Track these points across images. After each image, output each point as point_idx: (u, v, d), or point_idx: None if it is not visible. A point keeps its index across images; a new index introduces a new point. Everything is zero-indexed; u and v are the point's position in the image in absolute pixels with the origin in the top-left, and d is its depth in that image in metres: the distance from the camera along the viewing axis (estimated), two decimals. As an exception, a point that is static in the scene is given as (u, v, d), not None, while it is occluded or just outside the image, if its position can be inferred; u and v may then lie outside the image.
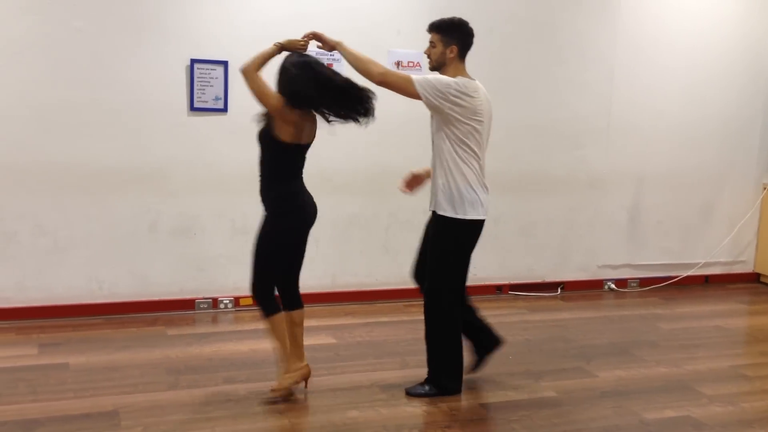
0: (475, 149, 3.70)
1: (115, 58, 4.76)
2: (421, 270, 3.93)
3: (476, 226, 3.76)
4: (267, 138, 3.61)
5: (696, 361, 4.49)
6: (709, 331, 5.18)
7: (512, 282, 5.96)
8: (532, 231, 5.99)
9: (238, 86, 5.04)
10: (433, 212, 3.80)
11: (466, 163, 3.68)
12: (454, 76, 3.69)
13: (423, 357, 4.35)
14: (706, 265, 6.51)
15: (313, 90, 3.49)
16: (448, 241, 3.74)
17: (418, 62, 5.43)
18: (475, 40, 5.52)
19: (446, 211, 3.70)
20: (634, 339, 4.91)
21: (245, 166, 5.12)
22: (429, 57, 3.80)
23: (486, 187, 3.81)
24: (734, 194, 6.54)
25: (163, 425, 3.35)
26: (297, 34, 5.08)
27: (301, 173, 3.67)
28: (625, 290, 6.24)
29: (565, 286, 6.11)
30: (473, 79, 3.75)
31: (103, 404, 3.54)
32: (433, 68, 3.80)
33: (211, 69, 4.95)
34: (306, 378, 3.77)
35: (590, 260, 6.18)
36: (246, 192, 5.15)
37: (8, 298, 4.74)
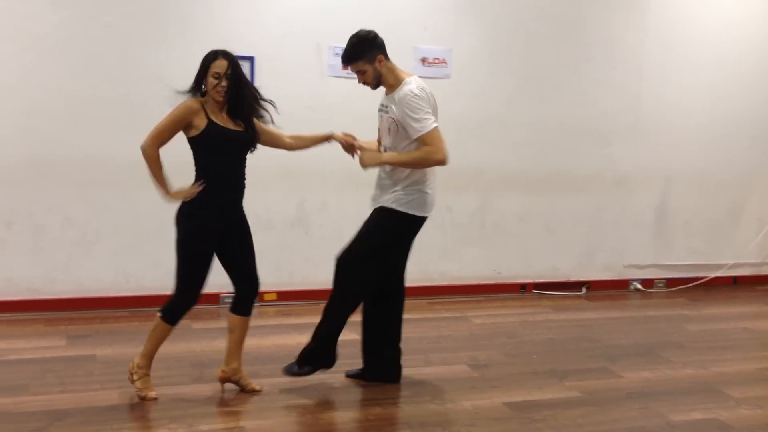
0: None
1: (143, 53, 4.80)
2: None
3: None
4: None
5: (723, 363, 4.43)
6: (737, 333, 5.11)
7: (537, 281, 5.92)
8: (557, 229, 5.94)
9: (264, 82, 5.06)
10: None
11: None
12: (394, 77, 3.68)
13: (448, 355, 4.36)
14: (735, 266, 6.42)
15: None
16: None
17: (444, 59, 5.41)
18: (504, 36, 5.56)
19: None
20: (660, 340, 4.86)
21: (270, 160, 5.13)
22: (366, 84, 3.73)
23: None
24: (764, 194, 6.43)
25: (188, 418, 3.37)
26: (322, 32, 5.13)
27: None
28: (652, 290, 6.18)
29: (590, 285, 6.06)
30: (410, 74, 3.74)
31: (130, 396, 3.58)
32: (375, 86, 3.75)
33: (238, 65, 4.96)
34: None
35: (616, 260, 6.12)
36: (271, 186, 5.19)
37: (37, 290, 4.81)
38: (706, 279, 6.30)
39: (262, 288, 5.19)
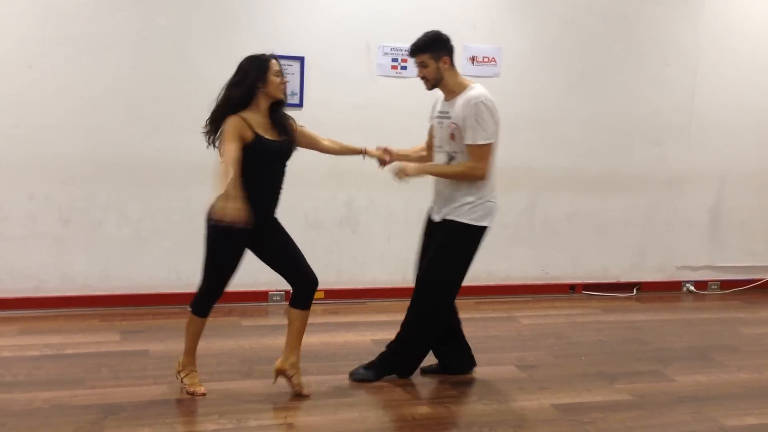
0: None
1: (196, 54, 4.89)
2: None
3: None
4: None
5: (780, 368, 4.31)
6: (794, 338, 4.97)
7: (586, 281, 5.84)
8: (607, 230, 5.85)
9: (314, 82, 5.12)
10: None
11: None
12: (456, 83, 3.72)
13: (495, 355, 4.34)
14: (793, 268, 6.24)
15: None
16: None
17: (493, 57, 5.38)
18: (554, 33, 5.50)
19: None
20: (714, 343, 4.75)
21: (319, 160, 5.17)
22: (424, 79, 3.73)
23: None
24: (824, 194, 6.23)
25: (237, 413, 3.43)
26: (372, 31, 5.15)
27: None
28: (705, 292, 6.04)
29: (641, 286, 5.95)
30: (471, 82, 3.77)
31: (180, 391, 3.65)
32: (431, 87, 3.76)
33: (288, 65, 5.01)
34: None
35: (668, 261, 6.00)
36: (319, 186, 5.23)
37: (92, 286, 4.94)
38: (763, 281, 6.13)
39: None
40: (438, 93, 3.85)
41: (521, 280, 5.73)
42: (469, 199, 3.72)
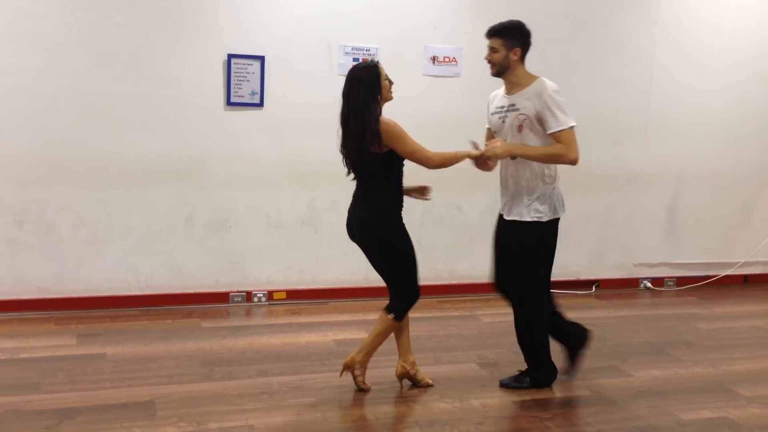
0: None
1: (154, 53, 4.82)
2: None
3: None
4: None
5: (734, 362, 4.41)
6: (747, 332, 5.08)
7: (546, 279, 5.90)
8: (567, 228, 5.83)
9: (275, 81, 5.09)
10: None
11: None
12: (524, 75, 3.75)
13: (457, 353, 4.37)
14: (746, 264, 6.38)
15: None
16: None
17: (454, 57, 5.41)
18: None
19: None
20: (670, 339, 4.84)
21: (280, 160, 5.18)
22: (491, 62, 3.77)
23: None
24: (776, 193, 6.40)
25: (197, 416, 3.39)
26: (333, 31, 5.14)
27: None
28: (662, 289, 6.15)
29: (600, 284, 6.04)
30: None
31: (139, 394, 3.60)
32: (496, 73, 3.78)
33: (248, 64, 4.99)
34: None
35: (626, 258, 6.10)
36: (281, 186, 5.21)
37: (48, 289, 4.84)
38: (717, 277, 6.27)
39: (273, 287, 5.27)
40: (492, 93, 3.89)
41: (483, 279, 5.72)
42: (536, 196, 3.75)
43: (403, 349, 3.81)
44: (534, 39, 5.56)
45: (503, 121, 3.77)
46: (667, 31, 5.86)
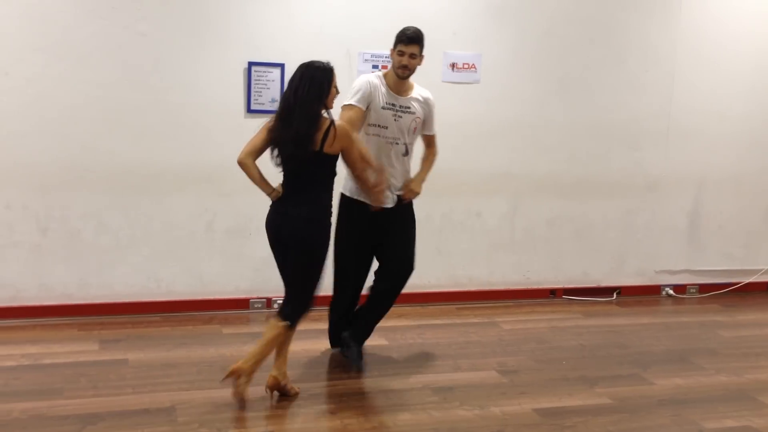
0: None
1: (176, 62, 4.87)
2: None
3: None
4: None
5: (758, 371, 4.36)
6: (772, 340, 5.03)
7: (566, 286, 5.87)
8: (588, 234, 5.89)
9: (294, 89, 5.11)
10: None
11: None
12: (410, 80, 4.06)
13: (477, 360, 4.36)
14: (770, 271, 6.31)
15: None
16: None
17: (473, 64, 5.40)
18: (533, 41, 5.54)
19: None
20: (692, 346, 4.79)
21: (271, 166, 5.18)
22: (409, 69, 3.92)
23: None
24: (800, 198, 6.31)
25: (218, 422, 3.41)
26: (352, 38, 5.16)
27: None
28: (684, 296, 6.09)
29: (621, 291, 5.99)
30: None
31: (160, 400, 3.62)
32: (406, 77, 3.97)
33: (268, 71, 5.02)
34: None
35: (648, 265, 6.05)
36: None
37: (71, 295, 4.89)
38: (740, 284, 6.19)
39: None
40: (375, 82, 3.96)
41: (502, 286, 5.75)
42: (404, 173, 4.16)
43: (282, 359, 3.69)
44: (553, 44, 5.61)
45: (396, 120, 3.96)
46: (688, 36, 5.82)
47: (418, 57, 3.92)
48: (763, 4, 5.95)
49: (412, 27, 3.98)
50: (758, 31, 5.96)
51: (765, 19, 5.97)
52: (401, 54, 3.91)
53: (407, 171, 4.14)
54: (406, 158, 4.09)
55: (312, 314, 5.13)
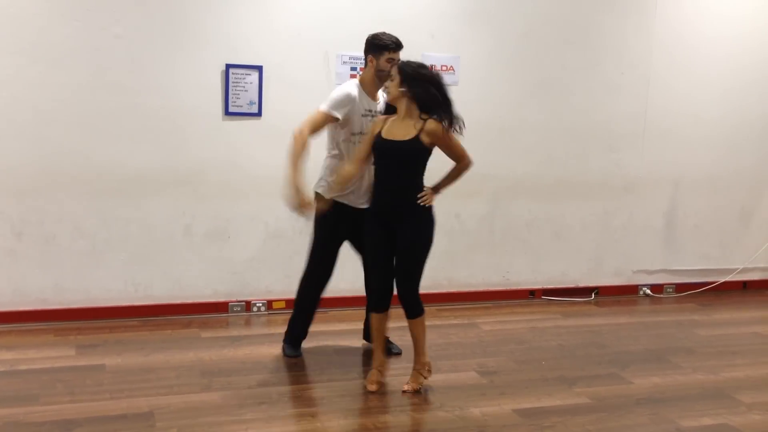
0: None
1: (152, 64, 4.83)
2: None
3: None
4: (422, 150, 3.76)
5: (734, 369, 4.41)
6: (747, 338, 5.08)
7: (545, 287, 5.91)
8: (566, 235, 5.93)
9: (273, 91, 5.10)
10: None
11: None
12: None
13: (457, 361, 4.36)
14: (745, 270, 6.39)
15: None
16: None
17: (451, 66, 5.42)
18: (511, 43, 5.57)
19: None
20: (670, 345, 4.84)
21: (279, 169, 5.15)
22: (390, 74, 3.86)
23: None
24: (774, 199, 6.41)
25: (197, 427, 3.38)
26: (330, 40, 5.16)
27: None
28: (661, 296, 6.15)
29: (599, 291, 6.04)
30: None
31: (138, 405, 3.59)
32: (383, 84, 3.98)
33: (246, 74, 5.00)
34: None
35: (625, 265, 6.10)
36: (279, 195, 5.20)
37: (47, 300, 4.83)
38: (716, 284, 6.27)
39: (272, 296, 5.26)
40: (354, 94, 4.00)
41: (482, 287, 5.78)
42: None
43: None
44: (530, 46, 5.65)
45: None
46: (663, 39, 5.88)
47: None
48: (736, 8, 6.03)
49: (390, 34, 4.00)
50: (732, 35, 6.04)
51: (738, 24, 6.05)
52: (390, 61, 3.91)
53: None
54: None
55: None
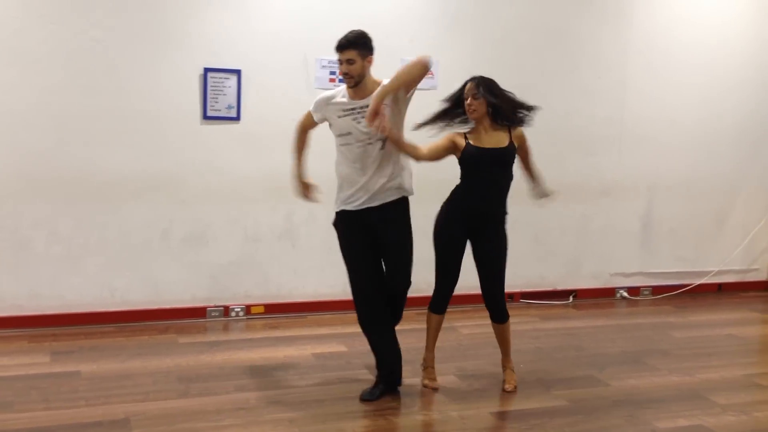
0: None
1: (130, 67, 4.80)
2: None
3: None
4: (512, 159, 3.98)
5: (709, 370, 4.46)
6: (722, 340, 5.14)
7: (524, 290, 5.93)
8: (544, 238, 5.97)
9: (251, 95, 5.08)
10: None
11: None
12: (373, 81, 3.84)
13: (436, 365, 4.36)
14: (720, 273, 6.46)
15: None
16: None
17: (430, 70, 5.42)
18: (489, 48, 5.60)
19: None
20: (646, 347, 4.88)
21: (257, 174, 5.16)
22: (348, 75, 3.76)
23: None
24: (748, 202, 6.49)
25: (174, 433, 3.36)
26: (309, 44, 5.15)
27: None
28: (638, 298, 6.21)
29: (577, 294, 6.08)
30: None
31: (114, 412, 3.56)
32: (355, 84, 3.79)
33: (225, 78, 4.98)
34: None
35: (602, 268, 6.15)
36: (258, 200, 5.19)
37: (21, 306, 4.77)
38: (692, 286, 6.34)
39: (251, 301, 5.24)
40: (329, 94, 3.93)
41: (461, 291, 5.73)
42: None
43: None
44: (508, 51, 5.68)
45: (358, 121, 3.81)
46: (638, 45, 5.95)
47: (357, 62, 3.73)
48: (711, 16, 6.11)
49: (348, 33, 3.84)
50: (706, 42, 6.12)
51: (712, 31, 6.13)
52: (340, 62, 3.80)
53: (390, 164, 3.86)
54: (383, 152, 3.86)
55: (269, 322, 5.13)
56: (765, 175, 6.51)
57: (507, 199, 4.03)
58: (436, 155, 3.93)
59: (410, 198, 3.99)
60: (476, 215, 3.97)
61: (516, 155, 4.02)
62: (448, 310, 5.72)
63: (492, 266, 4.02)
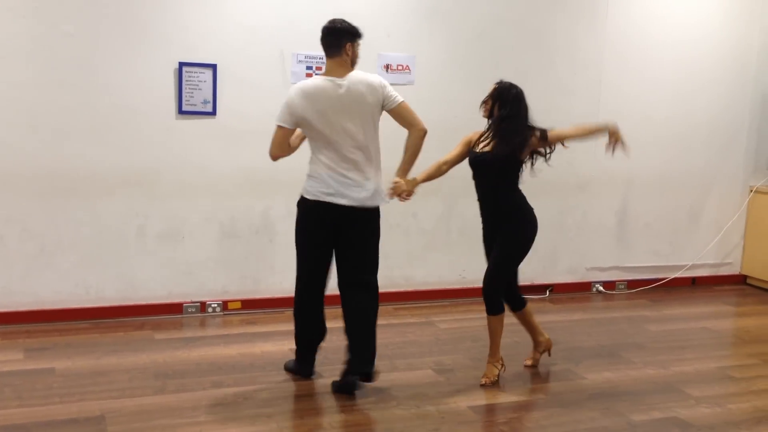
0: None
1: (104, 62, 4.75)
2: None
3: None
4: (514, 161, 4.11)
5: (683, 363, 4.51)
6: (696, 333, 5.21)
7: (501, 285, 5.95)
8: (520, 234, 5.98)
9: (227, 89, 5.05)
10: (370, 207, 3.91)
11: None
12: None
13: (413, 360, 4.38)
14: (694, 267, 6.54)
15: None
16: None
17: (407, 65, 5.44)
18: (466, 44, 5.61)
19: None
20: (622, 341, 4.93)
21: (233, 169, 5.13)
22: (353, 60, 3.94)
23: None
24: (721, 197, 6.58)
25: (150, 430, 3.33)
26: (286, 39, 5.14)
27: None
28: (614, 292, 6.26)
29: (553, 288, 6.12)
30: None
31: (89, 409, 3.52)
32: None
33: (200, 72, 4.95)
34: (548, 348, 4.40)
35: (579, 263, 6.20)
36: (235, 195, 5.16)
37: (-6, 303, 4.71)
38: (666, 280, 6.41)
39: (228, 297, 5.21)
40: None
41: (439, 285, 5.81)
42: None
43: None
44: (485, 46, 5.70)
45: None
46: (614, 42, 5.99)
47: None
48: (685, 14, 6.18)
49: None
50: (681, 40, 6.19)
51: (687, 29, 6.19)
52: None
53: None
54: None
55: (246, 318, 5.11)
56: (737, 171, 6.60)
57: (509, 199, 4.18)
58: (460, 158, 4.26)
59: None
60: (485, 216, 4.19)
61: (518, 157, 4.17)
62: (425, 305, 5.75)
63: (494, 258, 4.19)
